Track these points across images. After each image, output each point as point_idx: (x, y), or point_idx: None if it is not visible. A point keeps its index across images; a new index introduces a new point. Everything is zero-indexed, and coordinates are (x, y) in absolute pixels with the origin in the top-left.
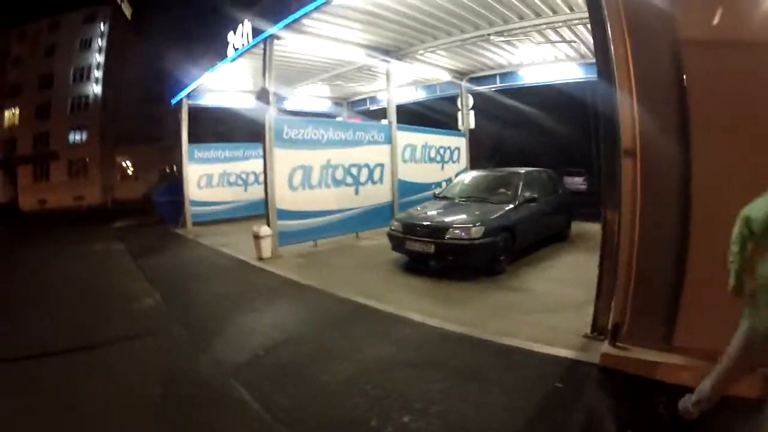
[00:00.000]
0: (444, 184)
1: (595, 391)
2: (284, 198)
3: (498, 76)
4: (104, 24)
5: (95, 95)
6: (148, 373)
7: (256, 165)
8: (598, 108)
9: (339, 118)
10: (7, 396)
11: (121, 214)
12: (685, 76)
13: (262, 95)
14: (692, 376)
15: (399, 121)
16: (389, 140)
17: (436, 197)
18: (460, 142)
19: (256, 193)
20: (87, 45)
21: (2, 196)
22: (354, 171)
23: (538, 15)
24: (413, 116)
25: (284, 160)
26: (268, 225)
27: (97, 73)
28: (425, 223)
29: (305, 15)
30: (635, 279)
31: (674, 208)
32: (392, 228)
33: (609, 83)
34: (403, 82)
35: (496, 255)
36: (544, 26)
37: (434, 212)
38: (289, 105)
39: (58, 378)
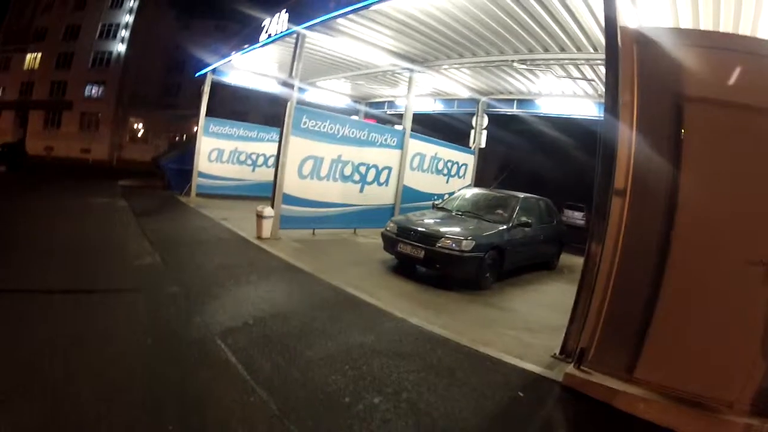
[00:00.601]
0: (446, 197)
1: (552, 405)
2: (292, 184)
3: (516, 101)
4: None
5: (119, 53)
6: (141, 323)
7: (266, 147)
8: (599, 146)
9: (354, 117)
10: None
11: (126, 174)
12: (683, 129)
13: (287, 83)
14: (647, 408)
15: (413, 128)
16: (401, 146)
17: (435, 207)
18: (469, 159)
19: (262, 175)
20: (119, 4)
21: (10, 135)
22: (362, 170)
23: (562, 50)
24: (427, 126)
25: (298, 147)
26: (272, 207)
27: (124, 33)
28: (419, 229)
29: (342, 15)
30: (607, 309)
31: (653, 250)
32: (387, 228)
33: (612, 125)
34: (423, 92)
35: (482, 271)
36: (567, 61)
37: (430, 221)
38: (308, 96)
39: (61, 313)
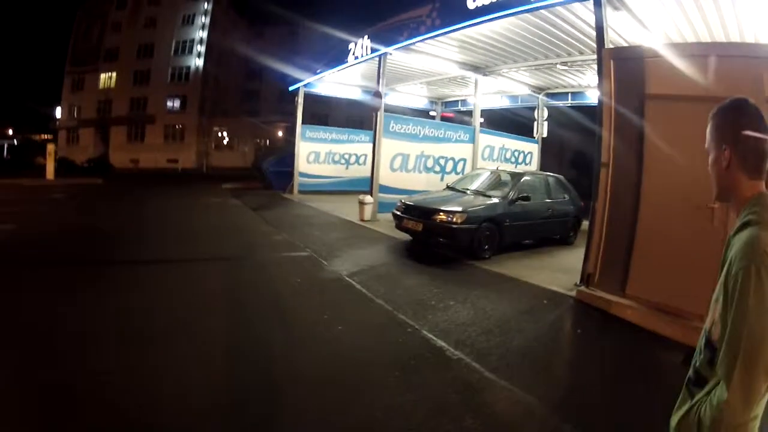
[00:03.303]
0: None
1: (565, 309)
2: (385, 176)
3: (570, 94)
4: (208, 2)
5: (197, 67)
6: (289, 273)
7: (356, 148)
8: (597, 131)
9: (432, 112)
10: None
11: (223, 178)
12: (644, 117)
13: (376, 96)
14: (633, 314)
15: (486, 122)
16: (472, 140)
17: (447, 187)
18: (533, 148)
19: (355, 172)
20: (190, 21)
21: (93, 152)
22: (441, 162)
23: (594, 52)
24: (496, 120)
25: (388, 147)
26: (371, 195)
27: (200, 48)
28: (420, 206)
29: (415, 42)
30: (603, 247)
31: (629, 201)
32: (396, 208)
33: (600, 114)
34: (489, 91)
35: (477, 242)
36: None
37: (434, 198)
38: (390, 100)
39: (234, 270)
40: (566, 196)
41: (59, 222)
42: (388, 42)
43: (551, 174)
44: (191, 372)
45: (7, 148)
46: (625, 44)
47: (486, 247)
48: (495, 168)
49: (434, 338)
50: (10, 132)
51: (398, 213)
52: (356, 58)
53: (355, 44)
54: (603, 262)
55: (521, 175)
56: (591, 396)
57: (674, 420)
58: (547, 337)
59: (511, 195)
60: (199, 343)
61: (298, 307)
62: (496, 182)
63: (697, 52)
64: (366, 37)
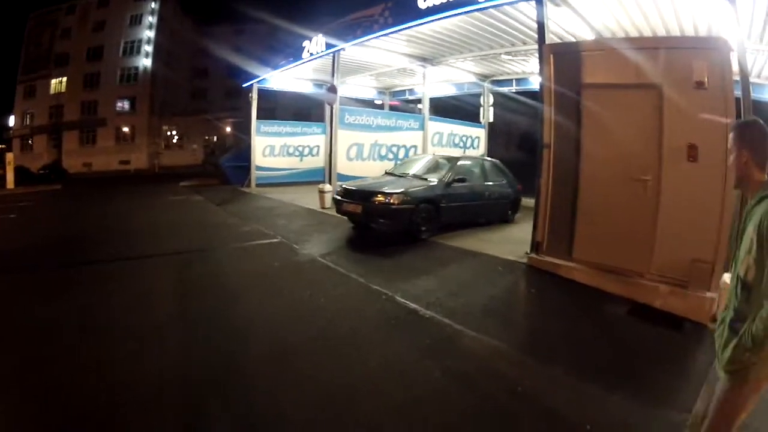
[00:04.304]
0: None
1: (518, 273)
2: (342, 165)
3: (514, 80)
4: (155, 1)
5: (145, 67)
6: (266, 256)
7: (310, 140)
8: (539, 116)
9: (377, 101)
10: (187, 268)
11: (177, 177)
12: (581, 104)
13: (331, 90)
14: (579, 275)
15: (434, 110)
16: (422, 128)
17: (386, 173)
18: (480, 133)
19: (309, 163)
20: (137, 21)
21: (47, 158)
22: (394, 150)
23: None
24: (444, 107)
25: (344, 138)
26: (330, 183)
27: (147, 48)
28: (359, 189)
29: (367, 40)
30: (549, 218)
31: (570, 177)
32: (336, 193)
33: (542, 101)
34: (436, 80)
35: (415, 222)
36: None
37: (372, 182)
38: (341, 92)
39: (214, 259)
40: (504, 179)
41: (44, 230)
42: (343, 39)
43: (488, 158)
44: (201, 337)
45: None
46: (567, 36)
47: (424, 228)
48: (431, 154)
49: (407, 302)
50: None
51: (339, 198)
52: (311, 54)
53: (310, 41)
54: (550, 231)
55: (457, 159)
56: (548, 338)
57: (727, 352)
58: (505, 296)
59: (448, 177)
60: (202, 317)
61: (282, 285)
62: (433, 166)
63: (631, 45)
64: (320, 34)
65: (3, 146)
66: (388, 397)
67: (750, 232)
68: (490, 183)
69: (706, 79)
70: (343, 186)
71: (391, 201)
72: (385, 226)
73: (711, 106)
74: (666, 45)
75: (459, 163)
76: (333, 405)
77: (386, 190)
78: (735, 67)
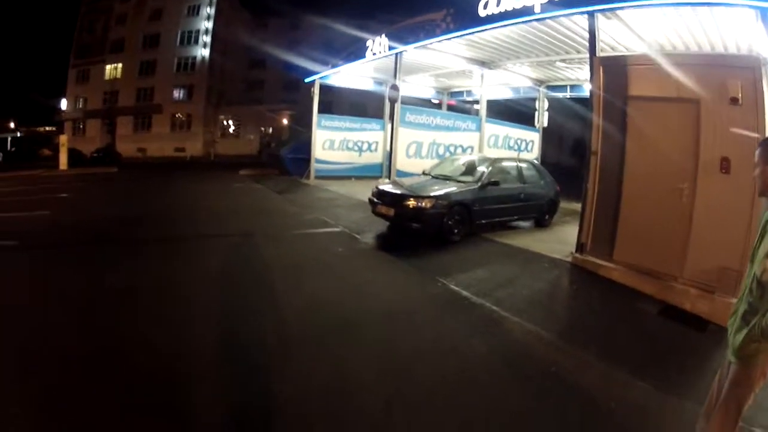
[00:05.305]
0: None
1: (562, 271)
2: (401, 162)
3: (568, 87)
4: None
5: (202, 57)
6: (331, 242)
7: (368, 136)
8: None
9: (434, 101)
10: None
11: (234, 166)
12: (627, 114)
13: (393, 89)
14: (618, 275)
15: (489, 111)
16: (479, 129)
17: (423, 173)
18: (534, 136)
19: (368, 158)
20: (195, 12)
21: (100, 142)
22: (451, 149)
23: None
24: (499, 110)
25: (404, 136)
26: (389, 179)
27: (205, 38)
28: (391, 192)
29: (430, 43)
30: (594, 221)
31: (614, 183)
32: (371, 194)
33: (592, 110)
34: (493, 83)
35: (447, 225)
36: None
37: (407, 184)
38: (400, 90)
39: (284, 243)
40: (542, 181)
41: (107, 208)
42: (405, 41)
43: (526, 159)
44: (273, 310)
45: (11, 141)
46: (618, 46)
47: (456, 231)
48: (468, 154)
49: (460, 290)
50: (12, 125)
51: (373, 199)
52: (374, 54)
53: (373, 41)
54: (594, 234)
55: (494, 160)
56: (583, 328)
57: (738, 339)
58: (548, 289)
59: (483, 179)
60: (278, 293)
61: (346, 268)
62: (470, 167)
63: (672, 61)
64: (383, 35)
65: (52, 129)
66: (440, 365)
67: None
68: (527, 185)
69: (740, 96)
70: (378, 187)
71: (423, 205)
72: (416, 229)
73: (744, 122)
74: (704, 62)
75: (496, 164)
76: (393, 367)
77: (419, 193)
78: None
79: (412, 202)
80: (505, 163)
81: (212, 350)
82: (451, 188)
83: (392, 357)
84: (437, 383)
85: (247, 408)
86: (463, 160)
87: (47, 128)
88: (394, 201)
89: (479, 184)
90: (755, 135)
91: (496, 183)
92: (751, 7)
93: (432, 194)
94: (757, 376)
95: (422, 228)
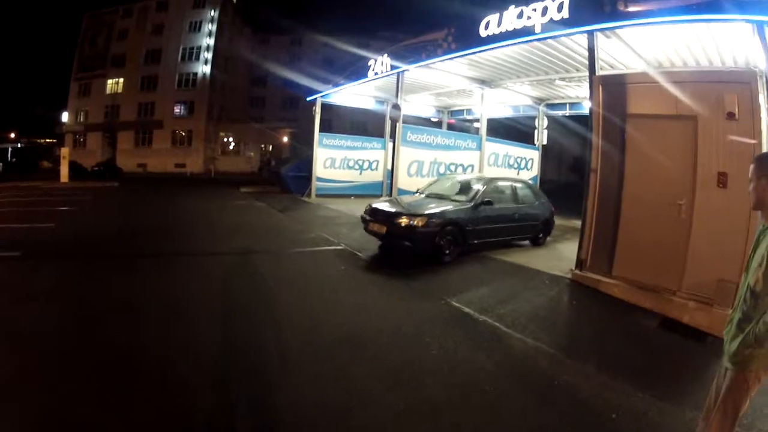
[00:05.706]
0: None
1: (562, 286)
2: (403, 180)
3: (568, 104)
4: (214, 10)
5: (204, 74)
6: (333, 260)
7: (369, 154)
8: (588, 142)
9: (433, 119)
10: (257, 269)
11: (234, 183)
12: (625, 132)
13: (395, 108)
14: (618, 291)
15: (489, 130)
16: (479, 148)
17: (417, 192)
18: (534, 154)
19: (368, 176)
20: (197, 28)
21: (100, 156)
22: (452, 168)
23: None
24: (499, 128)
25: (405, 155)
26: (388, 197)
27: (207, 54)
28: (384, 210)
29: (432, 63)
30: (593, 238)
31: (613, 200)
32: (364, 212)
33: (591, 128)
34: (493, 102)
35: (439, 245)
36: None
37: (399, 203)
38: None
39: (285, 261)
40: (537, 201)
41: (109, 222)
42: (407, 60)
43: (522, 180)
44: (277, 325)
45: (11, 152)
46: (618, 64)
47: (447, 251)
48: (463, 174)
49: (462, 306)
50: (13, 136)
51: (366, 216)
52: (376, 74)
53: (375, 61)
54: (593, 250)
55: (489, 179)
56: (584, 343)
57: (733, 346)
58: (549, 305)
59: (477, 199)
60: (279, 309)
61: (348, 286)
62: (465, 186)
63: (670, 78)
64: (386, 55)
65: (52, 141)
66: (447, 378)
67: (763, 248)
68: (522, 205)
69: (737, 110)
70: (371, 204)
71: (415, 223)
72: (408, 247)
73: (741, 136)
74: (701, 78)
75: (490, 184)
76: (400, 380)
77: (411, 211)
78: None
79: (404, 220)
80: (499, 183)
81: (212, 365)
82: (444, 207)
83: (400, 372)
84: (445, 396)
85: None
86: (457, 179)
87: (48, 140)
88: (386, 219)
89: (473, 203)
90: (752, 149)
91: (489, 203)
92: (747, 21)
93: (424, 212)
94: (752, 381)
95: (414, 246)
